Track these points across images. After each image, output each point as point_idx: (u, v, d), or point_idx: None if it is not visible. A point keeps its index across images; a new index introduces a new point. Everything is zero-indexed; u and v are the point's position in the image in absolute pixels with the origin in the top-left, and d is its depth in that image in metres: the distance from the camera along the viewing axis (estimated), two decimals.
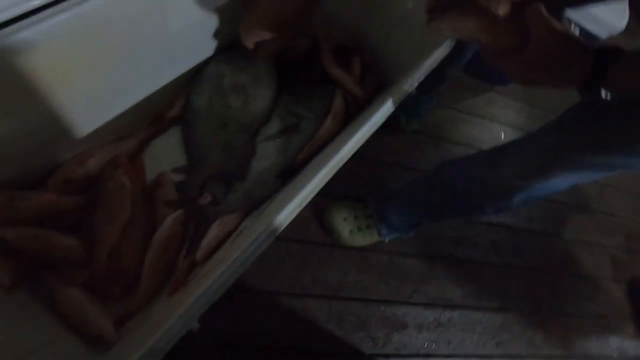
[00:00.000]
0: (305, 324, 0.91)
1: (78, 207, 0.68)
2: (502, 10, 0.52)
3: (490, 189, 0.76)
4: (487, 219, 1.28)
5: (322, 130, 0.83)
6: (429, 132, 1.32)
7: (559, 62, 0.50)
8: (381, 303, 1.02)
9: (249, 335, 0.85)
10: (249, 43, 0.72)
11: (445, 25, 0.53)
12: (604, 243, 1.55)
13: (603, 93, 0.50)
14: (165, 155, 0.81)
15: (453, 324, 1.10)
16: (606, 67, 0.47)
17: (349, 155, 0.59)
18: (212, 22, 0.74)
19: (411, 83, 0.66)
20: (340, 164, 0.58)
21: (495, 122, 1.50)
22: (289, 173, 0.81)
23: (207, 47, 0.80)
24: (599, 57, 0.48)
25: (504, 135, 1.50)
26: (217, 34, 0.78)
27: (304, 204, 0.53)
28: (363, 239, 1.02)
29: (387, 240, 1.03)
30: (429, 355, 1.04)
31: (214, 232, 0.73)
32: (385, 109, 0.63)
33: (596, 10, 1.18)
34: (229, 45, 0.82)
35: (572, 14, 1.00)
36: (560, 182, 0.69)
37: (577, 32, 0.51)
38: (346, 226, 0.99)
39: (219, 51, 0.82)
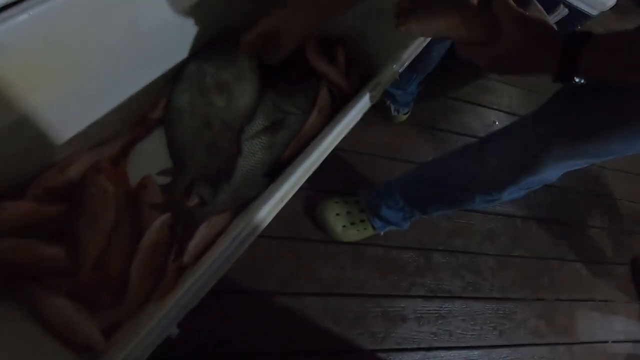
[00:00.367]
0: (302, 323, 0.90)
1: (60, 215, 0.67)
2: (473, 1, 0.53)
3: (480, 183, 0.75)
4: (482, 208, 1.27)
5: (308, 125, 0.81)
6: (420, 122, 1.30)
7: (529, 51, 0.50)
8: (379, 298, 1.01)
9: (244, 338, 0.84)
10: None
11: (414, 27, 0.55)
12: (604, 226, 1.53)
13: (576, 79, 0.50)
14: (151, 158, 0.79)
15: (453, 315, 1.09)
16: (576, 53, 0.47)
17: (332, 147, 0.58)
18: (189, 19, 0.73)
19: (395, 70, 0.65)
20: (325, 155, 0.57)
21: (488, 108, 1.49)
22: (277, 170, 0.79)
23: (186, 46, 0.78)
24: (569, 43, 0.48)
25: (497, 122, 1.48)
26: (195, 32, 0.77)
27: (285, 200, 0.52)
28: (357, 234, 1.00)
29: (382, 233, 1.02)
30: (430, 349, 1.03)
31: (201, 234, 0.71)
32: (366, 99, 0.61)
33: None
34: (209, 42, 0.81)
35: None
36: (551, 173, 0.67)
37: (564, 13, 0.51)
38: (339, 222, 0.97)
39: (199, 49, 0.81)
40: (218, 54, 0.80)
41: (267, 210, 0.50)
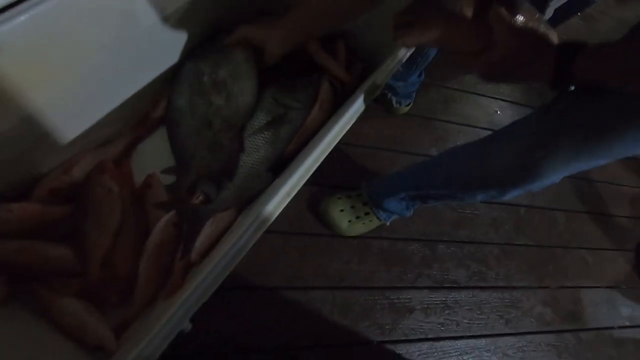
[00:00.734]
0: (309, 318, 0.90)
1: (66, 216, 0.67)
2: (467, 12, 0.56)
3: (482, 184, 0.74)
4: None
5: (310, 119, 0.81)
6: (421, 113, 1.29)
7: (524, 58, 0.51)
8: (385, 290, 1.01)
9: (252, 333, 0.84)
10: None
11: (411, 39, 0.58)
12: (607, 212, 1.53)
13: (571, 86, 0.52)
14: (154, 157, 0.79)
15: (460, 305, 1.09)
16: (570, 60, 0.48)
17: (337, 139, 0.58)
18: (189, 18, 0.72)
19: (396, 62, 0.64)
20: (329, 149, 0.57)
21: (490, 97, 1.48)
22: (280, 165, 0.79)
23: (182, 44, 0.78)
24: (563, 51, 0.49)
25: (499, 111, 1.47)
26: (195, 31, 0.76)
27: (292, 194, 0.51)
28: (364, 227, 1.00)
29: (388, 223, 1.02)
30: (437, 339, 1.03)
31: (207, 232, 0.72)
32: (369, 91, 0.61)
33: None
34: (204, 40, 0.80)
35: None
36: (554, 178, 0.66)
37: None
38: (344, 218, 0.97)
39: (195, 47, 0.80)
40: (212, 51, 0.80)
41: (274, 205, 0.50)
